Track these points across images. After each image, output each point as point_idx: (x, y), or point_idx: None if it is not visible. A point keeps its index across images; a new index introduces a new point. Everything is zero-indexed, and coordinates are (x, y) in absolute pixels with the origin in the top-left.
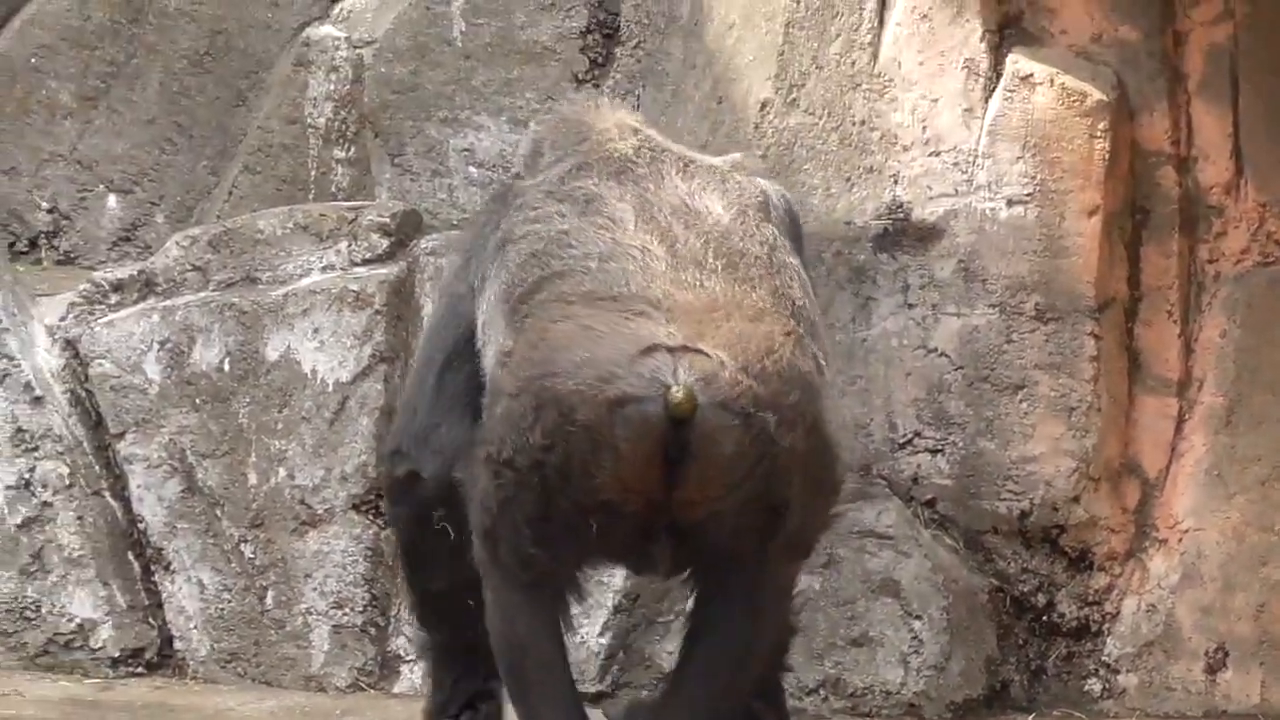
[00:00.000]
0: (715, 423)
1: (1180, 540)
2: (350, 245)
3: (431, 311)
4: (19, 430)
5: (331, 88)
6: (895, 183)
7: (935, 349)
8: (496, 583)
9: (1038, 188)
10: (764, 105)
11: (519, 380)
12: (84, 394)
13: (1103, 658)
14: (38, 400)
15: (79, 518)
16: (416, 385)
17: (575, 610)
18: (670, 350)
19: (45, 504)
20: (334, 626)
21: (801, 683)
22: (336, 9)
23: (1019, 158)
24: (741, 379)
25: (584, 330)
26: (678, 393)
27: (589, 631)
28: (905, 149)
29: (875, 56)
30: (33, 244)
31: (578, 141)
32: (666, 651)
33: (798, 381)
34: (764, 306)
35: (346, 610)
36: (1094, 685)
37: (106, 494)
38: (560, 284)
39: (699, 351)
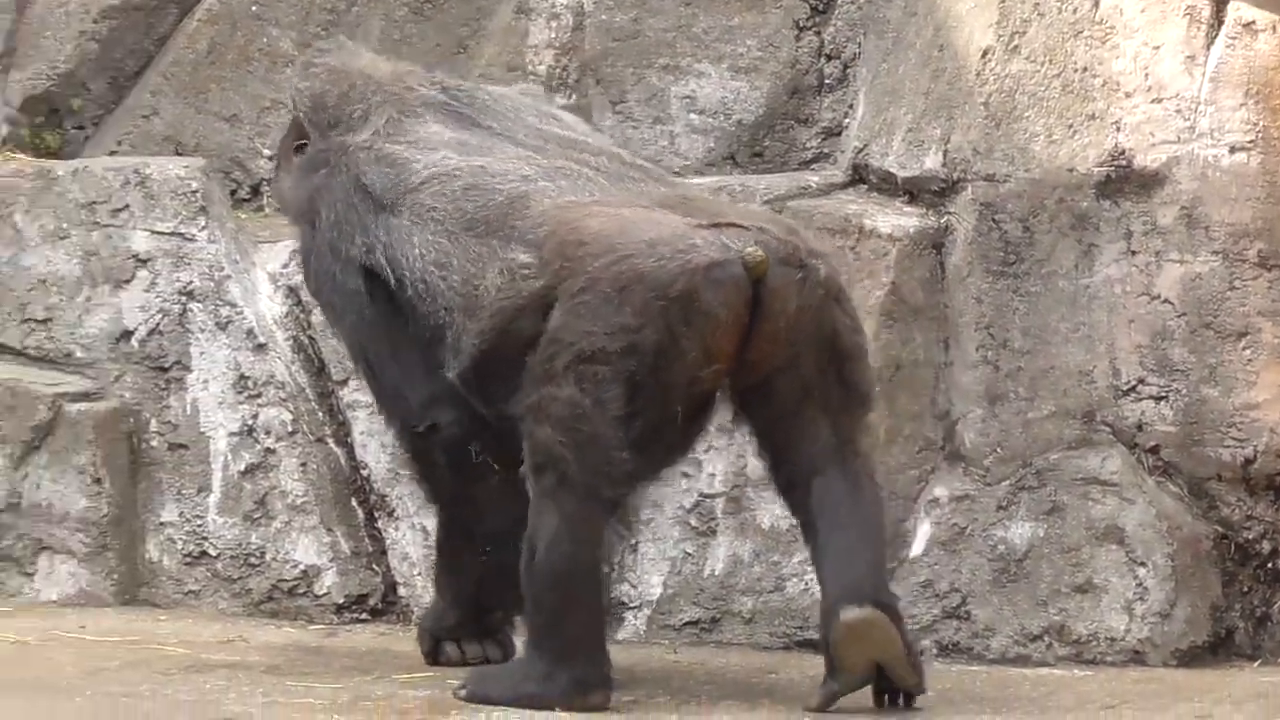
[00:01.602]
0: (782, 277)
1: None
2: None
3: (323, 299)
4: (242, 377)
5: (552, 35)
6: (1117, 130)
7: (1158, 296)
8: (571, 507)
9: (1260, 135)
10: (985, 52)
11: (586, 275)
12: (306, 341)
13: None
14: (260, 347)
15: (302, 464)
16: (381, 367)
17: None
18: (711, 225)
19: (269, 451)
20: None
21: (1026, 630)
22: None
23: (1241, 104)
24: (787, 237)
25: (618, 218)
26: (755, 252)
27: (813, 578)
28: (1127, 96)
29: (1097, 3)
30: (255, 191)
31: (371, 92)
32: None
33: (817, 239)
34: (715, 200)
35: None
36: None
37: (330, 440)
38: (538, 201)
39: (734, 224)
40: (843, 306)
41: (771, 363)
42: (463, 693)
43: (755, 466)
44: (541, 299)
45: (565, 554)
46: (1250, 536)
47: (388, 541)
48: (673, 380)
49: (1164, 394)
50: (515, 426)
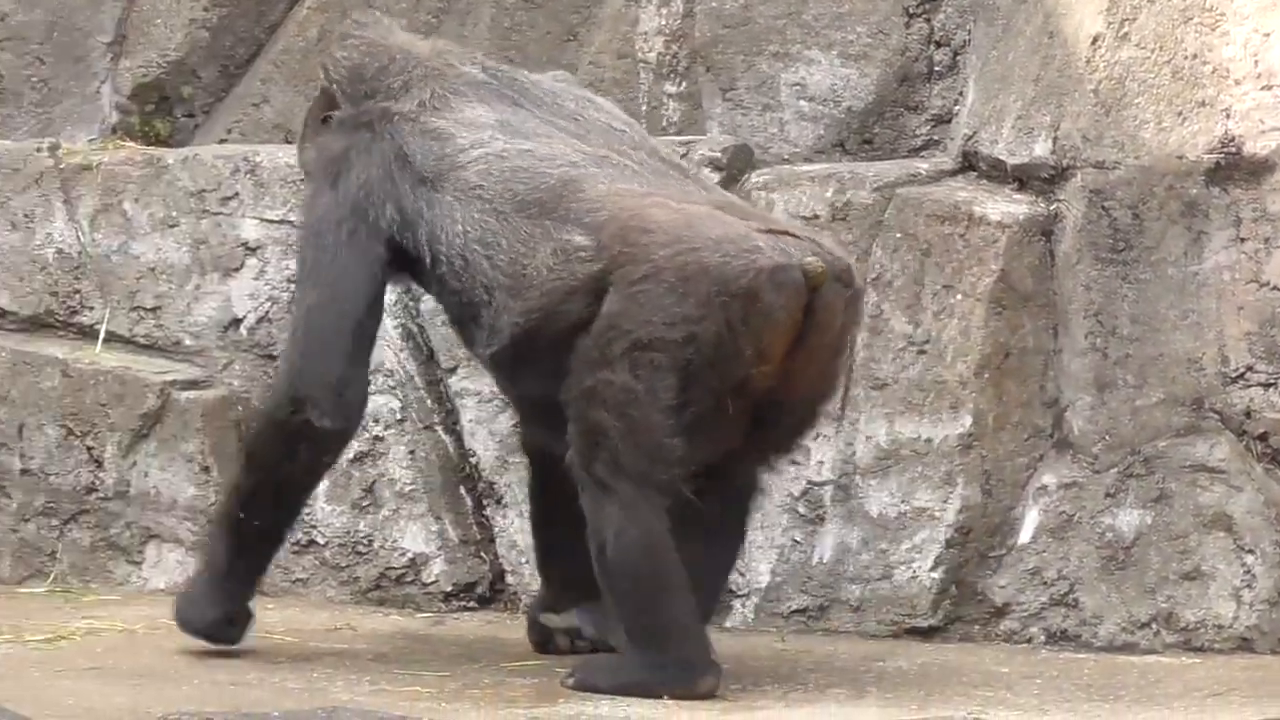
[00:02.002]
0: (833, 292)
1: None
2: None
3: (308, 243)
4: None
5: (662, 22)
6: (1227, 117)
7: (1267, 283)
8: (629, 493)
9: None
10: (1095, 39)
11: (650, 264)
12: (415, 329)
13: None
14: None
15: (411, 452)
16: (324, 324)
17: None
18: (769, 231)
19: (377, 439)
20: None
21: (1134, 617)
22: None
23: None
24: (841, 255)
25: (682, 212)
26: (816, 263)
27: (920, 566)
28: (1237, 83)
29: None
30: None
31: (412, 66)
32: (999, 585)
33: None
34: (763, 210)
35: None
36: None
37: (438, 428)
38: (592, 185)
39: (789, 234)
40: (853, 341)
41: (803, 379)
42: (570, 681)
43: (864, 453)
44: (595, 282)
45: (634, 542)
46: None
47: (495, 529)
48: (725, 375)
49: (1272, 381)
50: (542, 410)
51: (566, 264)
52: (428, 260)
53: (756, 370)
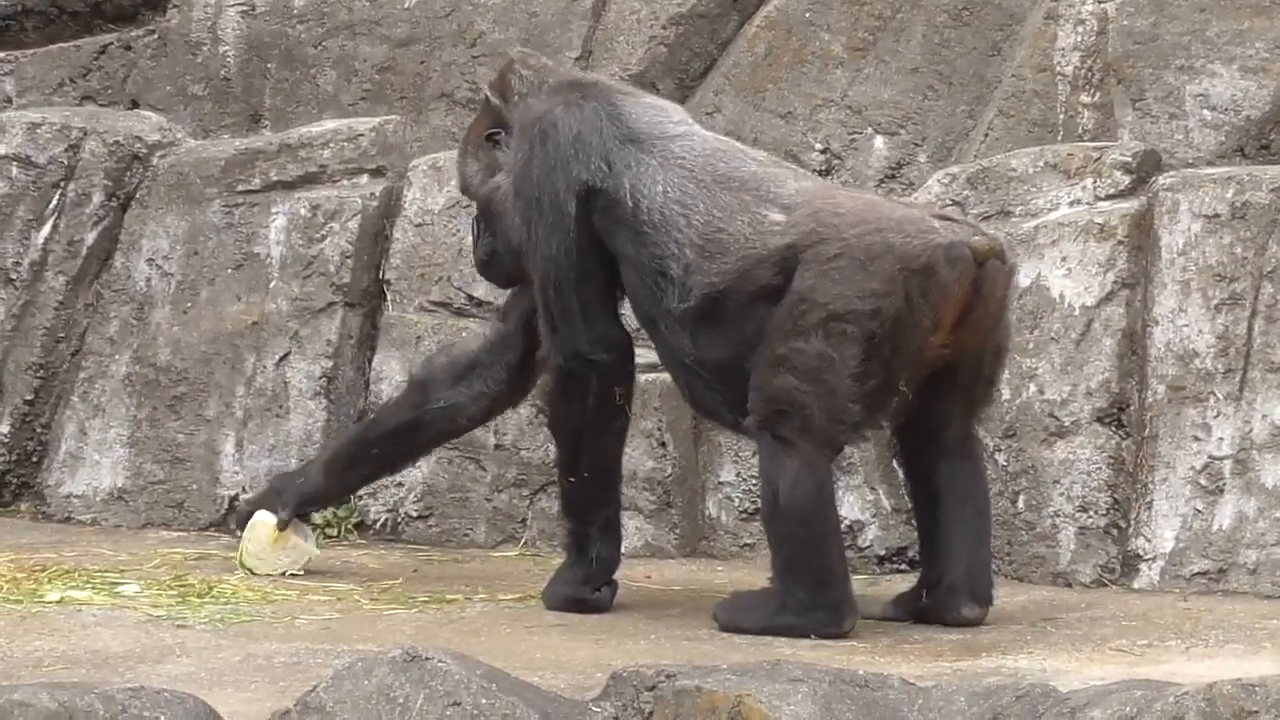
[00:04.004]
0: (995, 269)
1: None
2: (1095, 182)
3: (535, 226)
4: None
5: (1079, 39)
6: None
7: None
8: (809, 451)
9: None
10: None
11: (841, 242)
12: None
13: None
14: None
15: None
16: (566, 292)
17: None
18: (939, 217)
19: None
20: (1079, 528)
21: None
22: None
23: None
24: (998, 236)
25: (867, 200)
26: (983, 240)
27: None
28: None
29: None
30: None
31: (578, 84)
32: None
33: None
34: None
35: (1090, 513)
36: None
37: None
38: (786, 179)
39: (947, 218)
40: (1011, 309)
41: (970, 346)
42: (716, 623)
43: (1261, 430)
44: (784, 255)
45: (809, 491)
46: None
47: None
48: (905, 345)
49: None
50: (718, 374)
51: (759, 234)
52: (629, 205)
53: (933, 338)
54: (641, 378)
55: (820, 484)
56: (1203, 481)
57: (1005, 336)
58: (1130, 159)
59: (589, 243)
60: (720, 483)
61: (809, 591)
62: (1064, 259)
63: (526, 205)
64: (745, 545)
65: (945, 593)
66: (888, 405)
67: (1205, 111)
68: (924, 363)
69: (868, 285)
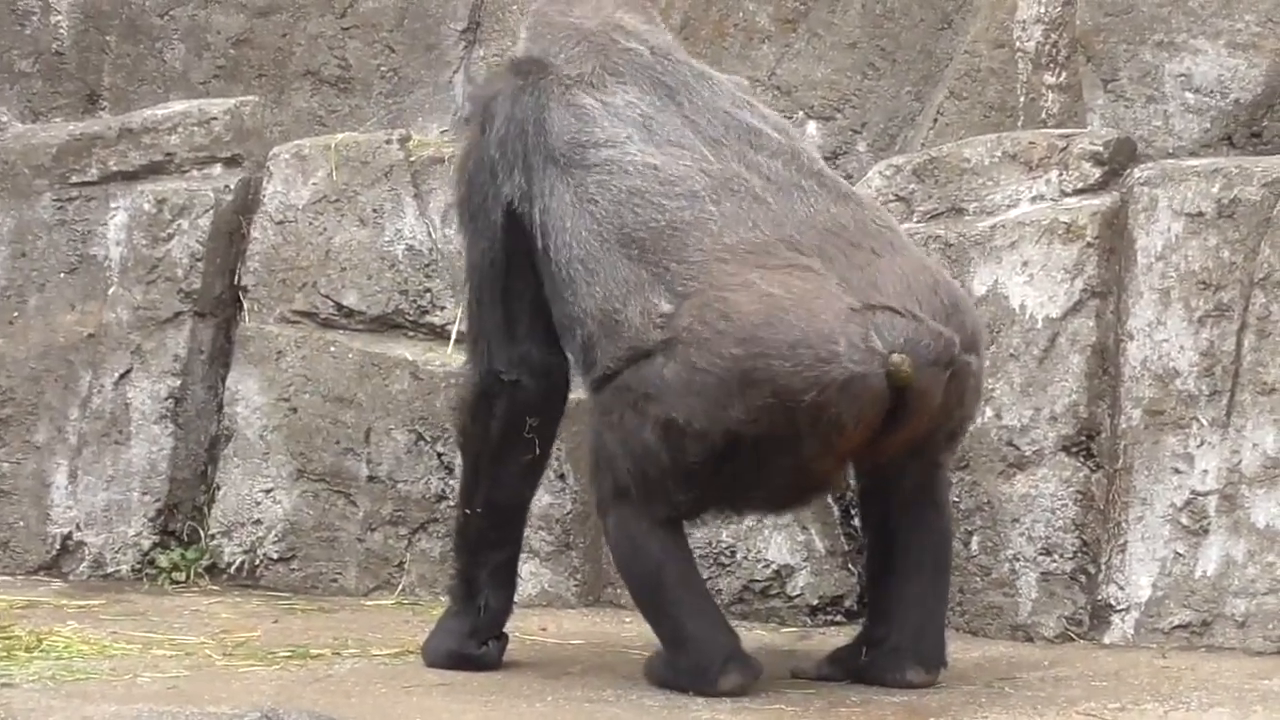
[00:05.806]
0: (929, 379)
1: None
2: (1061, 174)
3: (466, 226)
4: None
5: (1042, 10)
6: None
7: None
8: (626, 515)
9: None
10: None
11: (717, 356)
12: None
13: None
14: None
15: None
16: (491, 307)
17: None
18: (865, 310)
19: None
20: (1042, 574)
21: None
22: None
23: None
24: (939, 330)
25: (767, 300)
26: (902, 363)
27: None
28: None
29: None
30: None
31: (579, 39)
32: None
33: (966, 304)
34: (881, 224)
35: (1055, 556)
36: None
37: None
38: (697, 240)
39: (888, 309)
40: (979, 386)
41: (909, 440)
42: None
43: (1251, 462)
44: (665, 345)
45: (627, 556)
46: None
47: (863, 540)
48: (779, 463)
49: None
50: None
51: (647, 327)
52: (540, 244)
53: (818, 464)
54: None
55: (637, 549)
56: (1184, 520)
57: (967, 413)
58: (1101, 148)
59: (519, 253)
60: None
61: (672, 652)
62: (1025, 263)
63: (459, 200)
64: None
65: (889, 653)
66: (762, 502)
67: (1187, 94)
68: (824, 472)
69: (727, 413)
